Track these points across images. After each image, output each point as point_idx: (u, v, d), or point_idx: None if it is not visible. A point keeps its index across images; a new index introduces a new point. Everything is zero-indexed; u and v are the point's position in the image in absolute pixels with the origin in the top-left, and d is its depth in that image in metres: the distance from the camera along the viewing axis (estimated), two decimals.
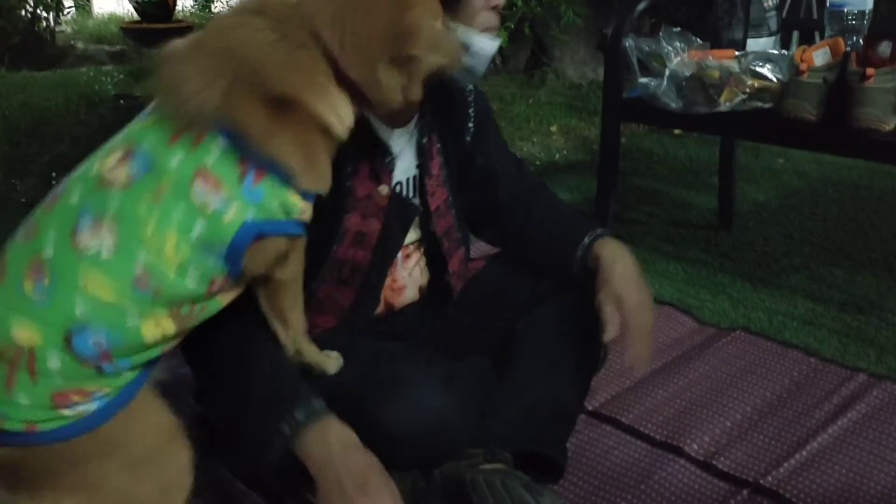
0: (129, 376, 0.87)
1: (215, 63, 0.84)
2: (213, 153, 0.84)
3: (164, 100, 0.86)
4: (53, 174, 2.94)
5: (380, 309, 1.27)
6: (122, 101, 3.58)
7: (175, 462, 0.92)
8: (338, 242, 1.16)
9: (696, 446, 1.46)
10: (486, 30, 1.11)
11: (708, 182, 2.80)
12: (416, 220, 1.26)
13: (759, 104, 1.78)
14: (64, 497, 0.83)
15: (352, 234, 1.17)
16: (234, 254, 0.88)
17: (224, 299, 0.94)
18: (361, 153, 1.13)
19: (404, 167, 1.21)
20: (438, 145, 1.25)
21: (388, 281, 1.26)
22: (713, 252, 2.36)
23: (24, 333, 0.78)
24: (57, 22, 5.58)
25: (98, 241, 0.80)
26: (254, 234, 0.88)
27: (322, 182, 0.93)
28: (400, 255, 1.27)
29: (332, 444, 0.99)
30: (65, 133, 3.26)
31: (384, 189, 1.17)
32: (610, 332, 1.20)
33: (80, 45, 5.87)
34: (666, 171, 3.16)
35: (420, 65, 0.93)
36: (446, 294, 1.33)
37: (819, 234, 2.46)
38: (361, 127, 1.02)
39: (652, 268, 2.25)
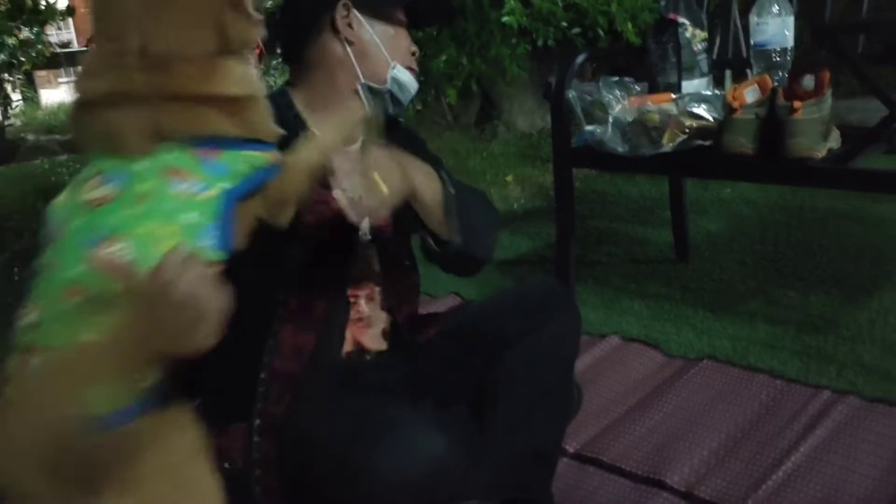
0: None
1: (132, 108, 0.93)
2: (168, 153, 0.93)
3: (103, 146, 0.94)
4: (16, 269, 2.92)
5: (349, 347, 1.29)
6: None
7: (207, 482, 0.96)
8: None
9: (677, 478, 1.50)
10: (409, 69, 1.32)
11: (662, 217, 2.89)
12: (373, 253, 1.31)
13: (700, 142, 1.87)
14: (121, 498, 0.88)
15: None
16: (224, 225, 0.95)
17: None
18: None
19: None
20: None
21: (352, 313, 1.29)
22: (674, 285, 2.43)
23: (90, 337, 0.85)
24: (6, 116, 5.59)
25: (117, 249, 0.87)
26: (235, 199, 0.96)
27: (262, 132, 1.01)
28: (363, 293, 1.30)
29: None
30: (24, 228, 3.25)
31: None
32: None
33: (30, 136, 5.88)
34: (621, 210, 3.26)
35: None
36: (406, 333, 1.35)
37: (771, 259, 2.56)
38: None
39: (617, 306, 2.32)
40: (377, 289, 1.33)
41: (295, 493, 1.16)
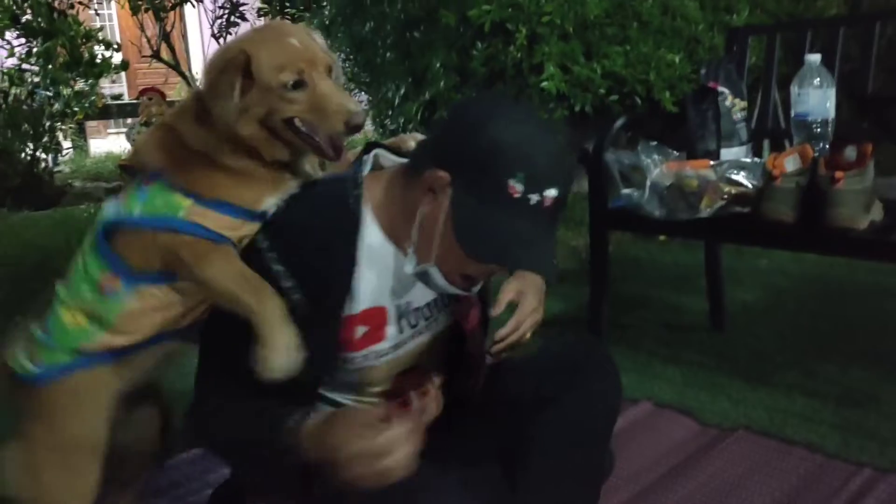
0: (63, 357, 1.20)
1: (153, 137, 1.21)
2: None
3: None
4: None
5: None
6: None
7: (87, 476, 1.16)
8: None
9: None
10: (451, 282, 1.17)
11: (696, 285, 2.86)
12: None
13: (738, 209, 1.87)
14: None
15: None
16: (102, 244, 1.20)
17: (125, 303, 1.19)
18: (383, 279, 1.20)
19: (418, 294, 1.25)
20: None
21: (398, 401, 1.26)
22: (708, 353, 2.39)
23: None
24: (55, 163, 5.77)
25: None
26: (119, 227, 1.17)
27: (213, 191, 1.13)
28: (413, 385, 1.27)
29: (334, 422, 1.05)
30: (67, 270, 3.32)
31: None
32: (495, 310, 1.31)
33: (77, 183, 6.05)
34: (655, 276, 3.24)
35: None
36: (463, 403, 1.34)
37: (808, 331, 2.51)
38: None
39: (650, 371, 2.28)
40: (436, 381, 1.29)
41: None
